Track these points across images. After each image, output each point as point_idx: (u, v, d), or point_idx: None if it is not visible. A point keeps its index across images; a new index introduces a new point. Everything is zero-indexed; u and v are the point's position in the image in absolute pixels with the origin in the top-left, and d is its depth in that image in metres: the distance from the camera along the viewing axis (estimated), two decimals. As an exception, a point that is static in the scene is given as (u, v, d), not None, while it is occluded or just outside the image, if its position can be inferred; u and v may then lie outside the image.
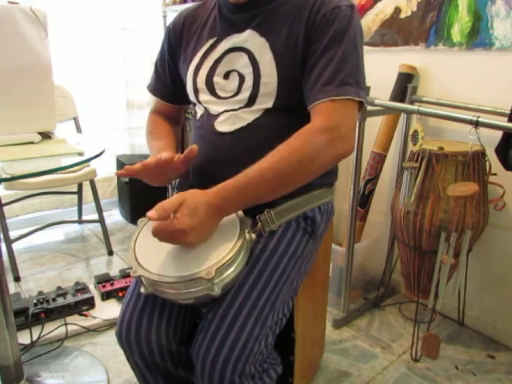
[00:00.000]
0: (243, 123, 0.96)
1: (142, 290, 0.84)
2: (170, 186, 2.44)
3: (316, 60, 0.89)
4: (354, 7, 0.91)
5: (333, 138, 0.84)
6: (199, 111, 1.06)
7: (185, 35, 1.07)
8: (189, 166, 0.99)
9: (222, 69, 0.99)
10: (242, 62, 0.96)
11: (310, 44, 0.90)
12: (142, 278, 0.83)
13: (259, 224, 0.93)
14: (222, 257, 0.79)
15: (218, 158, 0.99)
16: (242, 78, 0.96)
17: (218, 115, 1.00)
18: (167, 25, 1.12)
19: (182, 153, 0.92)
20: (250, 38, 0.96)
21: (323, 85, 0.87)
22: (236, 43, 0.97)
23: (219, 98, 1.00)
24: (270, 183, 0.81)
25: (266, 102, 0.95)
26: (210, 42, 1.01)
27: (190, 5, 1.14)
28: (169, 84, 1.13)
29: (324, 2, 0.91)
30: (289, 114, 0.95)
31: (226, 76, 0.99)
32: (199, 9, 1.08)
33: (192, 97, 1.06)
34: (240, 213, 0.87)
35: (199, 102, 1.05)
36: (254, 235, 0.87)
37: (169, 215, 0.75)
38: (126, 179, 2.54)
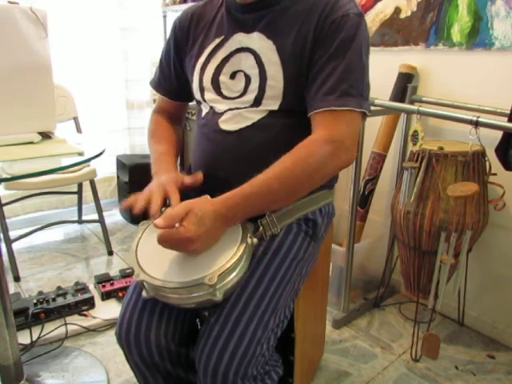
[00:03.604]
0: (248, 122, 0.96)
1: (144, 294, 0.84)
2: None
3: (320, 67, 0.89)
4: (362, 15, 0.91)
5: (337, 150, 0.85)
6: (204, 109, 1.05)
7: (192, 32, 1.06)
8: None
9: (228, 68, 0.98)
10: (248, 63, 0.96)
11: (315, 49, 0.90)
12: (145, 283, 0.83)
13: (261, 228, 0.93)
14: (224, 262, 0.79)
15: (221, 157, 0.98)
16: (248, 79, 0.96)
17: (222, 113, 0.99)
18: (168, 24, 1.12)
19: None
20: (257, 40, 0.95)
21: (325, 94, 0.87)
22: (243, 43, 0.97)
23: (225, 97, 0.99)
24: (275, 193, 0.82)
25: (271, 104, 0.94)
26: (217, 40, 1.00)
27: (190, 5, 1.13)
28: (173, 80, 1.12)
29: (333, 8, 0.90)
30: (295, 115, 0.95)
31: (233, 76, 0.98)
32: (206, 6, 1.07)
33: (197, 95, 1.05)
34: None
35: (204, 101, 1.04)
36: (255, 240, 0.87)
37: (175, 223, 0.76)
38: (126, 179, 2.55)
